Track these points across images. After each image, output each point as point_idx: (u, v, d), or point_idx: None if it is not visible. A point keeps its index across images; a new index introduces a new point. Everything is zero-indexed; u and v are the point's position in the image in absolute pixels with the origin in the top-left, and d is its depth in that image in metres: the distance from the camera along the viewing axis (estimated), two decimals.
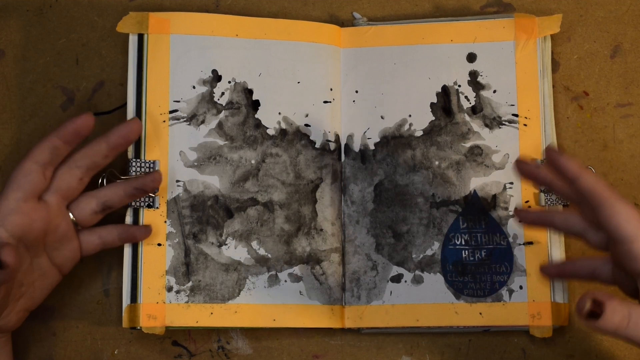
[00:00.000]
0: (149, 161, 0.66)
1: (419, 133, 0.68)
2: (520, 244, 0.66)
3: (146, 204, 0.66)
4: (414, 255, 0.67)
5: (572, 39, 0.71)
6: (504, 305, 0.66)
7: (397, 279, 0.67)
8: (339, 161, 0.68)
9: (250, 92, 0.68)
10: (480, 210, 0.67)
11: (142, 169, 0.66)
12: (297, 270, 0.66)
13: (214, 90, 0.68)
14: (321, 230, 0.67)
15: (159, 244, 0.66)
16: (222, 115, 0.68)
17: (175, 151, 0.67)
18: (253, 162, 0.68)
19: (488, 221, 0.67)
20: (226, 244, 0.66)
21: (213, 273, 0.66)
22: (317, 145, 0.68)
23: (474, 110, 0.68)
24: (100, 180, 0.65)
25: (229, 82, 0.68)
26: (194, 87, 0.68)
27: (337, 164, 0.68)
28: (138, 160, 0.66)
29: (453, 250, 0.67)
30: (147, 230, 0.65)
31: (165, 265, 0.66)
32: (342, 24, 0.71)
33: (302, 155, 0.68)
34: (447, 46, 0.69)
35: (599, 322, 0.50)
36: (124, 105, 0.68)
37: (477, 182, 0.67)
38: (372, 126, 0.69)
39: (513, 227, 0.67)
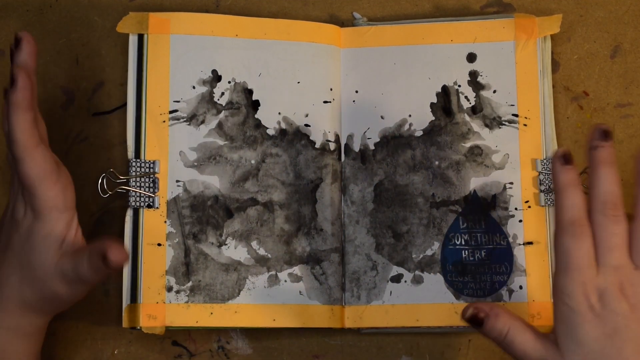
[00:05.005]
0: (149, 161, 0.66)
1: (419, 133, 0.68)
2: (520, 244, 0.66)
3: (146, 204, 0.66)
4: (414, 255, 0.67)
5: (572, 39, 0.71)
6: (504, 305, 0.66)
7: (397, 279, 0.67)
8: (339, 161, 0.68)
9: (250, 92, 0.68)
10: (480, 210, 0.67)
11: (142, 169, 0.66)
12: (297, 270, 0.66)
13: (214, 90, 0.68)
14: (321, 230, 0.67)
15: (159, 244, 0.66)
16: (222, 115, 0.68)
17: (175, 151, 0.67)
18: (253, 162, 0.68)
19: (488, 221, 0.67)
20: (226, 244, 0.66)
21: (213, 273, 0.66)
22: (317, 145, 0.68)
23: (474, 110, 0.68)
24: (100, 181, 0.65)
25: (229, 82, 0.68)
26: (194, 87, 0.68)
27: (337, 164, 0.68)
28: (138, 160, 0.66)
29: (453, 250, 0.67)
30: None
31: (165, 265, 0.66)
32: (342, 24, 0.71)
33: (302, 155, 0.68)
34: (447, 46, 0.69)
35: (479, 329, 0.56)
36: (124, 105, 0.68)
37: (477, 182, 0.67)
38: (372, 126, 0.69)
39: (513, 227, 0.67)
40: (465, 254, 0.67)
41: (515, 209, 0.67)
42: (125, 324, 0.65)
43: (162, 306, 0.65)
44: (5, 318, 0.59)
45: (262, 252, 0.66)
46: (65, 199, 0.58)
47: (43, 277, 0.58)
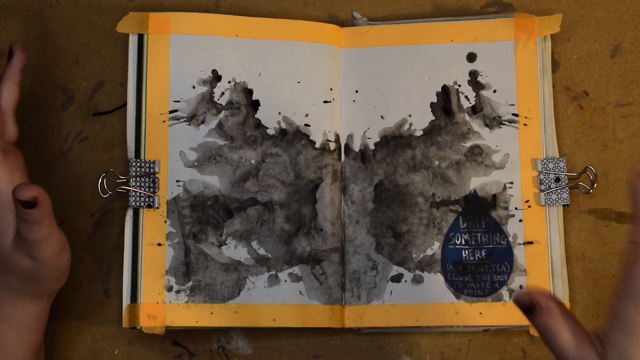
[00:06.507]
0: (149, 161, 0.66)
1: (419, 133, 0.68)
2: (520, 244, 0.66)
3: (146, 204, 0.66)
4: (414, 255, 0.67)
5: (572, 38, 0.71)
6: (504, 305, 0.66)
7: (397, 278, 0.67)
8: (339, 161, 0.68)
9: (250, 92, 0.68)
10: (480, 210, 0.67)
11: (142, 169, 0.66)
12: (297, 270, 0.66)
13: (214, 90, 0.68)
14: (321, 230, 0.67)
15: (159, 244, 0.66)
16: (222, 115, 0.68)
17: (175, 151, 0.67)
18: (253, 162, 0.68)
19: (488, 221, 0.67)
20: (226, 244, 0.66)
21: (213, 273, 0.66)
22: (317, 145, 0.68)
23: (474, 110, 0.68)
24: (100, 181, 0.65)
25: (229, 82, 0.68)
26: (194, 87, 0.68)
27: (337, 164, 0.68)
28: (138, 160, 0.66)
29: (453, 250, 0.67)
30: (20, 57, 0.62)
31: (165, 265, 0.66)
32: (342, 24, 0.71)
33: (302, 155, 0.68)
34: (447, 46, 0.69)
35: (527, 316, 0.53)
36: (124, 105, 0.68)
37: (477, 181, 0.67)
38: (372, 126, 0.69)
39: (513, 226, 0.67)
40: (465, 253, 0.67)
41: (516, 208, 0.67)
42: (125, 324, 0.65)
43: (162, 306, 0.65)
44: None
45: (262, 252, 0.66)
46: (12, 179, 0.58)
47: (8, 259, 0.58)
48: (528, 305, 0.55)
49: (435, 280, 0.66)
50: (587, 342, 0.54)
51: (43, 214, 0.55)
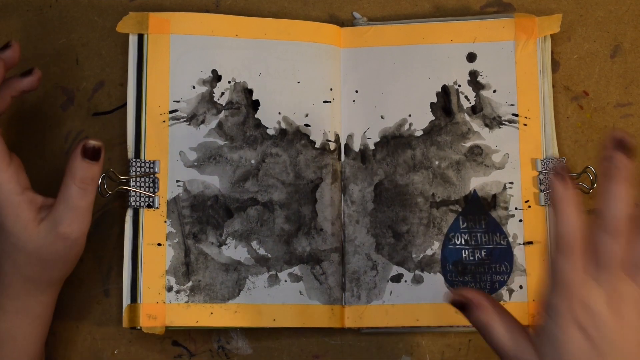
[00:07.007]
0: (149, 161, 0.66)
1: (419, 133, 0.68)
2: (520, 244, 0.66)
3: (146, 204, 0.66)
4: (414, 255, 0.67)
5: (572, 39, 0.71)
6: (504, 305, 0.66)
7: (397, 278, 0.67)
8: (339, 161, 0.68)
9: (250, 92, 0.68)
10: (480, 210, 0.67)
11: (142, 169, 0.66)
12: (297, 270, 0.66)
13: (214, 90, 0.68)
14: (321, 230, 0.67)
15: (159, 244, 0.66)
16: (222, 115, 0.68)
17: (175, 151, 0.67)
18: (253, 162, 0.68)
19: (488, 221, 0.67)
20: (226, 244, 0.66)
21: (213, 273, 0.66)
22: (317, 145, 0.68)
23: (474, 110, 0.68)
24: (100, 181, 0.65)
25: (229, 82, 0.68)
26: (194, 87, 0.68)
27: (337, 164, 0.68)
28: (138, 160, 0.66)
29: (453, 250, 0.67)
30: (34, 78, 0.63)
31: (165, 265, 0.66)
32: (342, 24, 0.71)
33: (302, 155, 0.68)
34: (447, 46, 0.69)
35: (468, 316, 0.55)
36: (124, 105, 0.68)
37: (477, 181, 0.67)
38: (372, 126, 0.69)
39: (513, 226, 0.67)
40: (465, 253, 0.67)
41: (515, 208, 0.67)
42: (125, 324, 0.65)
43: (162, 306, 0.65)
44: (14, 302, 0.60)
45: (262, 252, 0.66)
46: (19, 180, 0.59)
47: (35, 251, 0.59)
48: (461, 303, 0.56)
49: (435, 280, 0.66)
50: (522, 336, 0.55)
51: (100, 170, 0.59)
